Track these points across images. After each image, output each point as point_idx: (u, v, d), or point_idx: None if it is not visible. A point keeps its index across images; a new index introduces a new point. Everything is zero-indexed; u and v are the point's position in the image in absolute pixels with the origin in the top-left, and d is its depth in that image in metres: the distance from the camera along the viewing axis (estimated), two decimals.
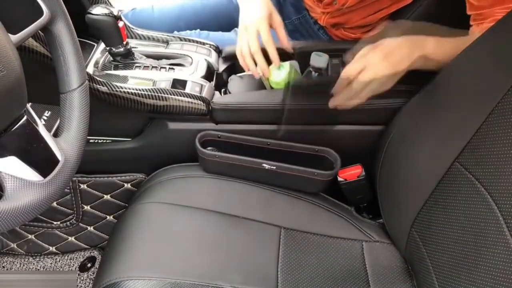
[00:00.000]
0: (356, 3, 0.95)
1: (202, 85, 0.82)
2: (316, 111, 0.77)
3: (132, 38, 0.93)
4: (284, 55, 0.85)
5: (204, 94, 0.81)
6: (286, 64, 0.82)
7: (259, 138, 0.80)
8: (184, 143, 0.83)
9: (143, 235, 0.70)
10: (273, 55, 0.80)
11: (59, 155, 0.50)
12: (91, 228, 1.00)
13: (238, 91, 0.87)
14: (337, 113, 0.74)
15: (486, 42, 0.61)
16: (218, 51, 0.97)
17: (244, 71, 0.90)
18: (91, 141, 0.84)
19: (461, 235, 0.56)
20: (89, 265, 1.04)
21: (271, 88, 0.86)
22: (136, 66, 0.84)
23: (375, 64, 0.67)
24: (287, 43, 0.84)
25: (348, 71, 0.69)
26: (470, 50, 0.64)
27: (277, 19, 0.82)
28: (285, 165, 0.76)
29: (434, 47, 0.69)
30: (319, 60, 0.83)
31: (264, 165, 0.76)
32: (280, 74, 0.81)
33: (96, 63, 0.83)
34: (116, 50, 0.82)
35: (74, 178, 0.90)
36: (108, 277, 0.63)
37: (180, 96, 0.77)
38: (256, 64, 0.81)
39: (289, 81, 0.77)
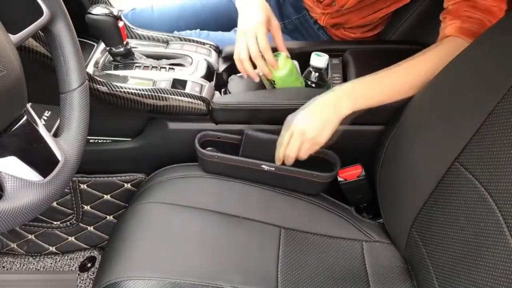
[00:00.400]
0: (356, 4, 0.95)
1: (202, 85, 0.82)
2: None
3: (132, 38, 0.93)
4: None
5: (204, 94, 0.81)
6: (281, 55, 0.83)
7: None
8: (184, 143, 0.83)
9: (143, 235, 0.70)
10: (270, 60, 0.80)
11: (59, 155, 0.50)
12: (91, 228, 1.00)
13: (238, 91, 0.87)
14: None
15: (486, 42, 0.61)
16: (218, 51, 0.97)
17: None
18: (91, 141, 0.84)
19: (461, 235, 0.56)
20: (89, 265, 1.04)
21: (272, 87, 0.86)
22: (136, 66, 0.84)
23: (297, 125, 0.72)
24: (284, 48, 0.84)
25: (280, 141, 0.75)
26: (470, 50, 0.64)
27: (275, 24, 0.83)
28: (284, 167, 0.76)
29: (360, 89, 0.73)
30: (319, 60, 0.84)
31: (263, 166, 0.76)
32: (282, 71, 0.82)
33: (96, 63, 0.83)
34: (116, 50, 0.82)
35: (74, 178, 0.90)
36: (108, 277, 0.63)
37: (180, 96, 0.77)
38: (255, 67, 0.81)
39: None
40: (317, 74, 0.85)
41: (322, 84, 0.86)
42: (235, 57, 0.82)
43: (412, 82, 0.72)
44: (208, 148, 0.80)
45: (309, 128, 0.71)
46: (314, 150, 0.74)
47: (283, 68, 0.81)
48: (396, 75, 0.73)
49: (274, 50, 0.83)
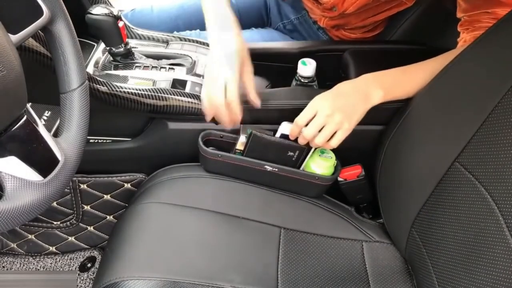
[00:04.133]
0: (356, 10, 0.95)
1: (202, 85, 0.82)
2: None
3: (132, 38, 0.93)
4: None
5: None
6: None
7: None
8: (184, 143, 0.83)
9: (143, 235, 0.70)
10: (235, 115, 0.70)
11: (59, 155, 0.50)
12: (91, 228, 1.00)
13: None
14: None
15: (486, 42, 0.61)
16: None
17: None
18: (91, 141, 0.84)
19: (461, 235, 0.56)
20: (89, 265, 1.04)
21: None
22: (136, 66, 0.84)
23: (323, 105, 0.67)
24: (254, 97, 0.74)
25: (297, 119, 0.69)
26: (470, 50, 0.64)
27: (248, 68, 0.72)
28: (287, 168, 0.76)
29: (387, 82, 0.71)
30: (305, 69, 0.81)
31: (266, 166, 0.76)
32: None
33: (96, 63, 0.83)
34: (116, 50, 0.82)
35: (74, 178, 0.90)
36: (108, 277, 0.63)
37: (180, 96, 0.77)
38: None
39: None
40: (306, 82, 0.84)
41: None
42: (204, 101, 0.71)
43: None
44: (210, 148, 0.80)
45: (336, 111, 0.66)
46: (342, 138, 0.69)
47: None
48: (424, 71, 0.72)
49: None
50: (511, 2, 0.70)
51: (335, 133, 0.69)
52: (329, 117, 0.67)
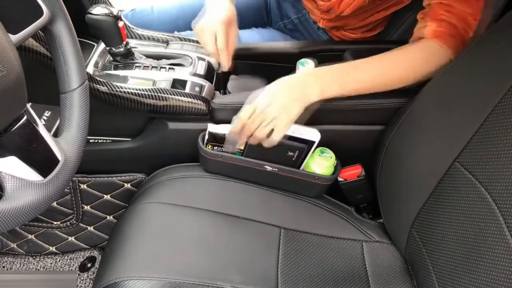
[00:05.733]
0: (353, 12, 0.95)
1: (202, 85, 0.82)
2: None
3: (132, 38, 0.93)
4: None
5: (204, 94, 0.81)
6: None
7: None
8: (184, 143, 0.83)
9: (143, 235, 0.70)
10: (224, 61, 0.81)
11: (59, 155, 0.50)
12: (91, 228, 1.00)
13: (238, 91, 0.87)
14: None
15: (486, 42, 0.61)
16: None
17: (245, 73, 0.91)
18: (91, 141, 0.84)
19: (461, 235, 0.56)
20: (89, 265, 1.04)
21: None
22: (136, 66, 0.84)
23: (260, 101, 0.68)
24: (229, 56, 0.83)
25: (238, 115, 0.70)
26: (470, 50, 0.64)
27: (234, 30, 0.82)
28: (287, 168, 0.76)
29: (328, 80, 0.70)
30: (304, 69, 0.82)
31: (266, 166, 0.76)
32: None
33: (96, 63, 0.83)
34: (116, 50, 0.82)
35: (74, 178, 0.90)
36: (108, 277, 0.63)
37: (180, 96, 0.77)
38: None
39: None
40: None
41: None
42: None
43: (383, 79, 0.72)
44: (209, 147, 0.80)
45: (270, 107, 0.67)
46: (278, 136, 0.69)
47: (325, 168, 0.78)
48: (369, 69, 0.72)
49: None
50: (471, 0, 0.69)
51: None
52: (266, 113, 0.68)
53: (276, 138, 0.70)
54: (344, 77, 0.71)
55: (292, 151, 0.75)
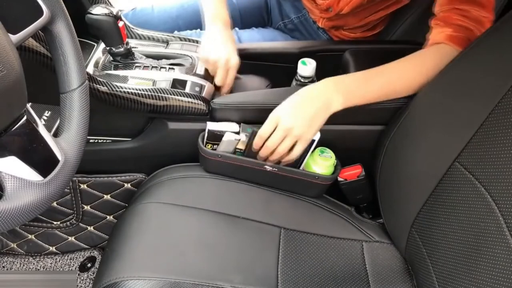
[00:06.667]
0: (351, 10, 0.95)
1: (202, 85, 0.82)
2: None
3: (132, 38, 0.93)
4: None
5: (204, 94, 0.81)
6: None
7: None
8: (184, 143, 0.83)
9: (143, 235, 0.70)
10: (224, 93, 0.84)
11: (59, 155, 0.50)
12: (91, 228, 1.00)
13: (238, 91, 0.87)
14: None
15: (486, 42, 0.61)
16: None
17: (245, 73, 0.91)
18: (91, 141, 0.84)
19: (461, 235, 0.56)
20: (89, 265, 1.04)
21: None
22: (136, 66, 0.84)
23: (283, 119, 0.67)
24: (227, 89, 0.85)
25: (260, 133, 0.70)
26: (470, 50, 0.64)
27: (233, 63, 0.82)
28: (287, 168, 0.76)
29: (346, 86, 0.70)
30: (305, 69, 0.82)
31: (266, 166, 0.76)
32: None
33: (96, 63, 0.83)
34: (116, 50, 0.81)
35: (74, 178, 0.90)
36: (108, 277, 0.63)
37: (180, 96, 0.77)
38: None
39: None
40: (306, 81, 0.84)
41: None
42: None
43: (403, 84, 0.72)
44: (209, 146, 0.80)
45: (296, 123, 0.66)
46: (301, 150, 0.70)
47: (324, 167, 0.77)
48: (388, 75, 0.72)
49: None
50: (484, 2, 0.69)
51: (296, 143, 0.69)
52: (289, 130, 0.67)
53: (298, 152, 0.69)
54: (369, 85, 0.71)
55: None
